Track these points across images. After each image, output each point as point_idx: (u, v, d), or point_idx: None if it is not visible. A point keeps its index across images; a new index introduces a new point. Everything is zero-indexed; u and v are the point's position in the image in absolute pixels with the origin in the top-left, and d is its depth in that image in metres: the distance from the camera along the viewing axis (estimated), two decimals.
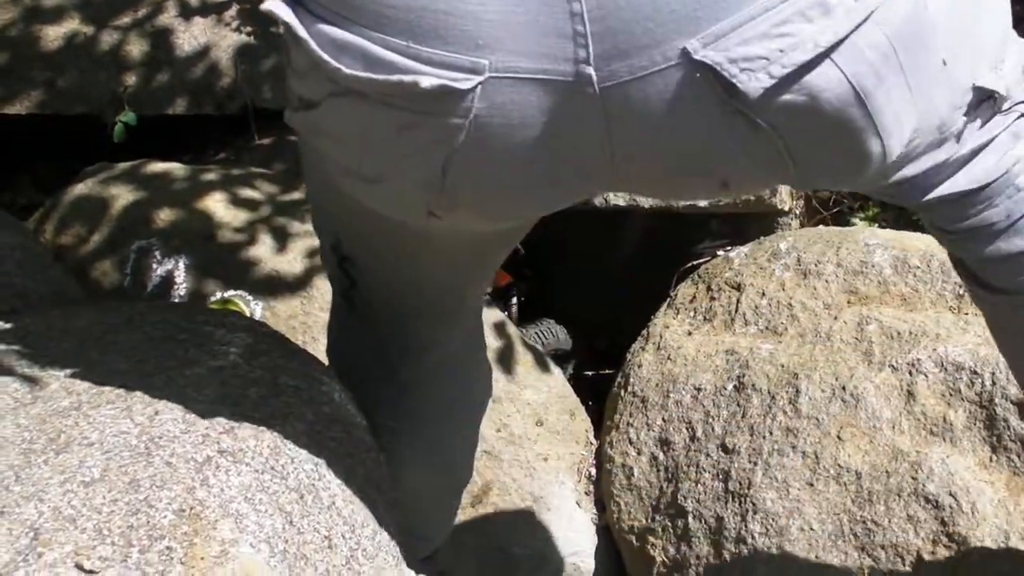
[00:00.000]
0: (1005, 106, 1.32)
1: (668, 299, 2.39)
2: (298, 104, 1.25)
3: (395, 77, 1.10)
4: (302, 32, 1.13)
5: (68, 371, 1.47)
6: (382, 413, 1.67)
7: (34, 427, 1.34)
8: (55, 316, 1.68)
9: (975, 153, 1.32)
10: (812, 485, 1.95)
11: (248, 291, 2.29)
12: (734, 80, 1.08)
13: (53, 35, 2.70)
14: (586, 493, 2.26)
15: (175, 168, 2.51)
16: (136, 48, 2.72)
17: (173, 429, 1.34)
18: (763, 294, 2.24)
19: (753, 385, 2.09)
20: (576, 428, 2.31)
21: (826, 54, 1.09)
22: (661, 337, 2.28)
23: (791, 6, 1.07)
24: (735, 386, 2.11)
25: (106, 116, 2.65)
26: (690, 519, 2.04)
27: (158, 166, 2.51)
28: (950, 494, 1.85)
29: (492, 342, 2.27)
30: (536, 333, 2.59)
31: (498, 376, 2.23)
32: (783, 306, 2.20)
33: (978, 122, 1.31)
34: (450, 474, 1.80)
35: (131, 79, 2.70)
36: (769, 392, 2.07)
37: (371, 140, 1.19)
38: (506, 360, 2.28)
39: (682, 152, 1.16)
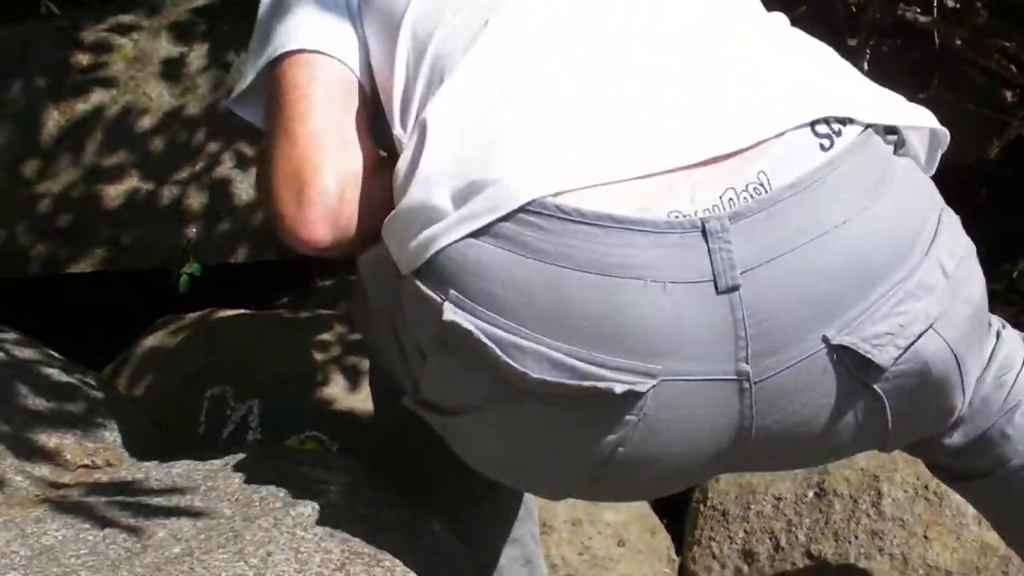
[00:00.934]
0: None
1: None
2: (434, 407, 1.35)
3: (588, 383, 1.21)
4: (484, 338, 1.21)
5: (174, 519, 1.50)
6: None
7: (151, 575, 1.37)
8: (150, 467, 1.71)
9: None
10: None
11: (323, 432, 2.31)
12: (869, 356, 1.25)
13: (114, 193, 2.77)
14: None
15: (242, 315, 2.56)
16: (196, 200, 2.78)
17: (287, 569, 1.38)
18: None
19: (834, 491, 2.10)
20: (658, 546, 2.31)
21: (932, 325, 1.27)
22: None
23: (902, 289, 1.25)
24: (816, 492, 2.12)
25: (171, 268, 2.70)
26: None
27: (226, 314, 2.56)
28: None
29: None
30: None
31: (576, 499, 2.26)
32: None
33: None
34: None
35: (192, 231, 2.76)
36: (851, 496, 2.08)
37: (539, 439, 1.29)
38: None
39: (811, 429, 1.30)
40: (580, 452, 1.27)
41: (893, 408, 1.30)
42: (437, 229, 1.25)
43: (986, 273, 1.47)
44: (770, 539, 2.13)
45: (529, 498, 1.88)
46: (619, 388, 1.20)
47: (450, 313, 1.22)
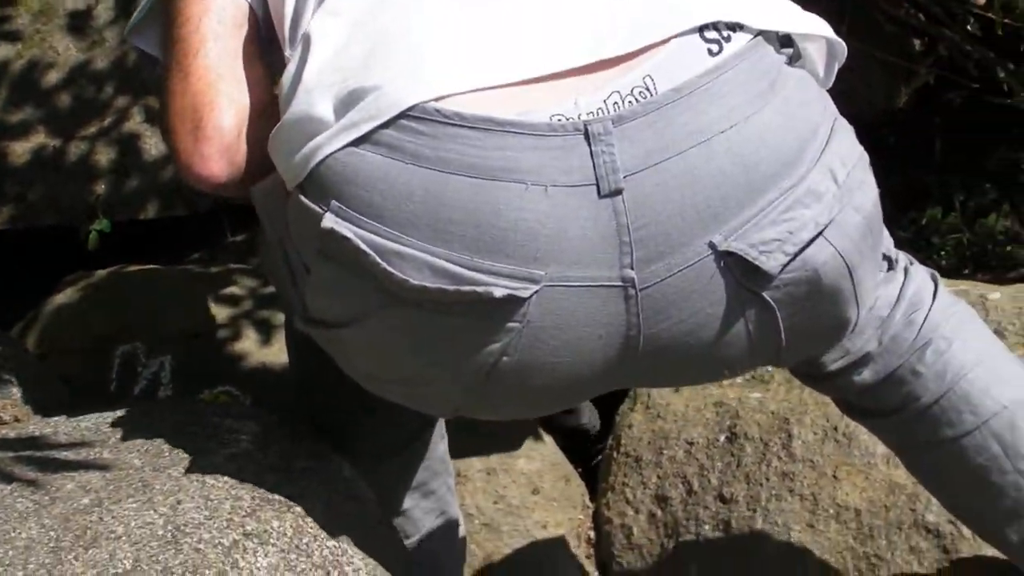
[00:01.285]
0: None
1: None
2: (320, 323, 1.33)
3: (467, 287, 1.20)
4: (364, 246, 1.20)
5: (82, 471, 1.50)
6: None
7: (59, 526, 1.37)
8: (59, 422, 1.70)
9: None
10: (813, 527, 1.99)
11: (236, 386, 2.31)
12: (756, 262, 1.25)
13: (20, 150, 2.73)
14: (587, 557, 2.28)
15: (152, 270, 2.54)
16: (104, 156, 2.75)
17: (197, 516, 1.37)
18: None
19: (745, 434, 2.12)
20: (572, 493, 2.33)
21: (822, 232, 1.27)
22: (649, 396, 2.31)
23: (791, 196, 1.25)
24: (727, 437, 2.14)
25: (80, 225, 2.67)
26: (694, 572, 2.07)
27: (135, 269, 2.54)
28: (949, 521, 1.88)
29: None
30: None
31: (490, 447, 2.27)
32: None
33: None
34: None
35: (101, 187, 2.73)
36: (762, 439, 2.10)
37: (422, 346, 1.27)
38: (495, 431, 2.31)
39: (700, 339, 1.30)
40: (464, 361, 1.25)
41: (785, 318, 1.31)
42: (319, 140, 1.24)
43: (895, 221, 1.50)
44: (683, 483, 2.15)
45: (444, 450, 1.88)
46: (499, 292, 1.19)
47: (330, 222, 1.21)
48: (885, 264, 1.51)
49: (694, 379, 1.52)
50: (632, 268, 1.21)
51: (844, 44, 1.42)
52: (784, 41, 1.35)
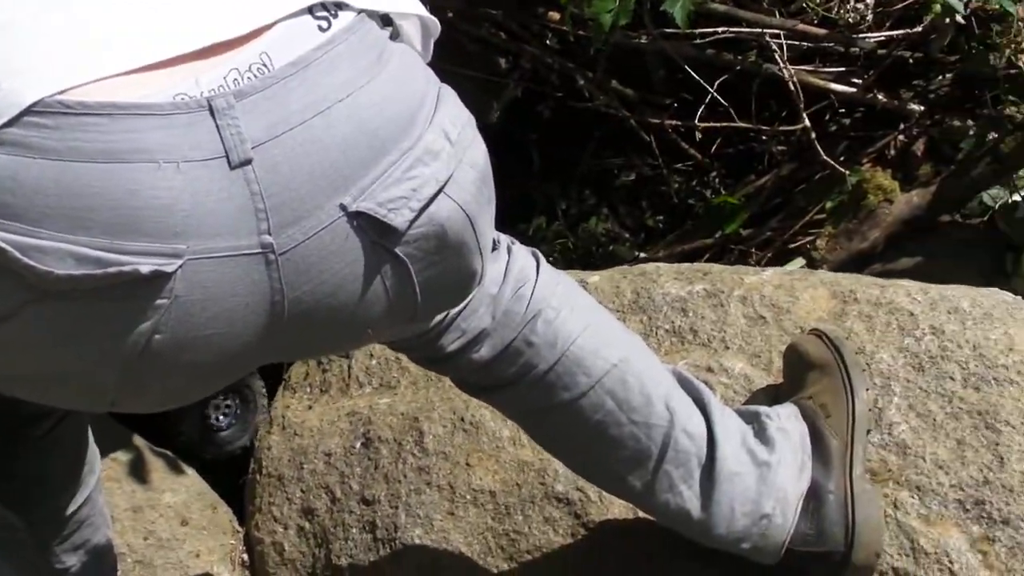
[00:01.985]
0: None
1: (283, 382, 2.50)
2: None
3: (114, 269, 1.19)
4: (2, 244, 1.18)
5: None
6: None
7: None
8: None
9: None
10: (453, 514, 2.10)
11: None
12: (385, 219, 1.30)
13: None
14: None
15: None
16: None
17: None
18: (371, 355, 2.38)
19: (379, 437, 2.22)
20: (220, 520, 2.37)
21: (442, 188, 1.34)
22: (284, 417, 2.38)
23: (410, 156, 1.32)
24: (363, 443, 2.23)
25: None
26: (346, 574, 2.14)
27: None
28: (577, 488, 2.03)
29: (121, 456, 2.32)
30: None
31: (135, 486, 2.28)
32: (392, 362, 2.36)
33: None
34: None
35: None
36: (395, 440, 2.20)
37: (72, 337, 1.25)
38: (138, 469, 2.32)
39: (342, 300, 1.34)
40: (117, 344, 1.26)
41: (418, 272, 1.38)
42: None
43: (507, 233, 1.63)
44: (326, 493, 2.22)
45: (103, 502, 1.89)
46: (145, 269, 1.20)
47: None
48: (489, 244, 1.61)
49: (341, 343, 1.55)
50: (270, 234, 1.25)
51: (437, 21, 1.51)
52: (384, 20, 1.43)
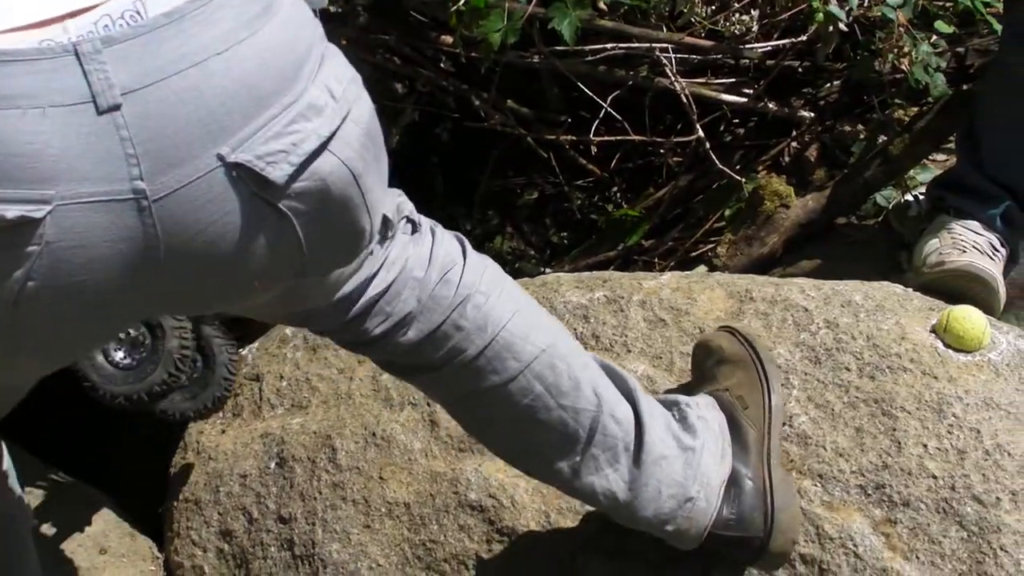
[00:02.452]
0: (392, 230, 1.62)
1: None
2: None
3: None
4: None
5: None
6: None
7: None
8: None
9: (381, 264, 1.62)
10: (369, 527, 2.12)
11: None
12: (264, 172, 1.30)
13: None
14: None
15: None
16: None
17: None
18: (281, 377, 2.41)
19: (293, 456, 2.24)
20: (139, 547, 2.37)
21: (326, 144, 1.34)
22: (198, 443, 2.39)
23: (293, 111, 1.31)
24: (277, 463, 2.25)
25: None
26: None
27: None
28: (490, 495, 2.07)
29: (37, 488, 2.32)
30: None
31: (51, 518, 2.28)
32: (302, 382, 2.38)
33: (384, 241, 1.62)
34: None
35: None
36: (309, 459, 2.23)
37: None
38: (54, 501, 2.32)
39: (222, 249, 1.33)
40: None
41: (303, 228, 1.37)
42: None
43: None
44: (243, 515, 2.24)
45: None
46: (11, 214, 1.19)
47: None
48: (410, 227, 1.65)
49: (228, 294, 1.50)
50: (142, 180, 1.24)
51: None
52: None
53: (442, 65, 3.36)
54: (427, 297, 1.64)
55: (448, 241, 1.71)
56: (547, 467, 1.78)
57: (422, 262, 1.65)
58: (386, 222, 1.59)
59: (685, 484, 1.78)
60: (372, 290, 1.62)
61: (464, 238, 1.74)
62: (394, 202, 1.62)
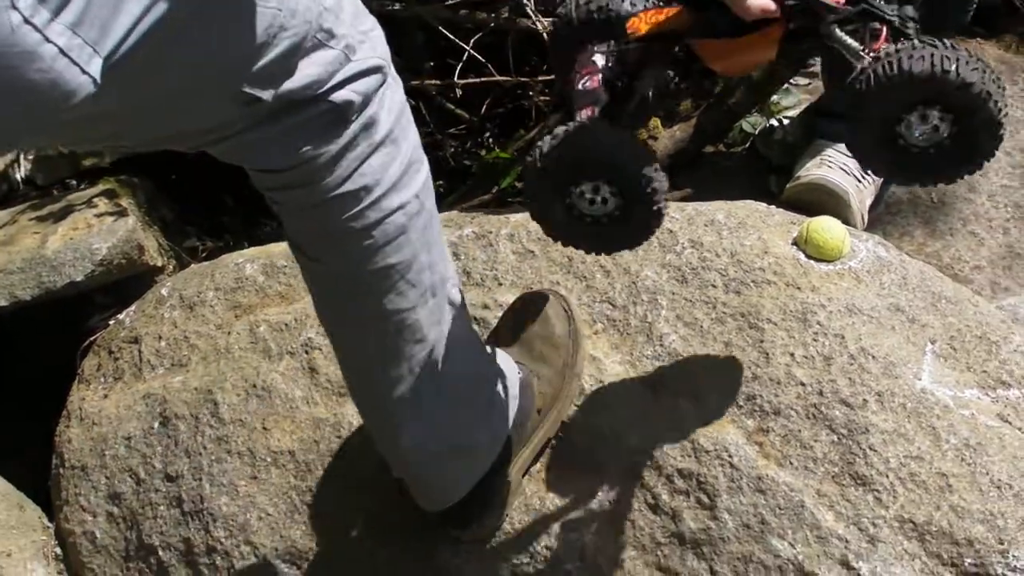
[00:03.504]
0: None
1: (77, 376, 2.50)
2: None
3: None
4: None
5: None
6: None
7: None
8: None
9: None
10: (256, 478, 2.14)
11: None
12: None
13: None
14: (59, 573, 2.32)
15: None
16: None
17: None
18: (160, 338, 2.40)
19: (176, 415, 2.24)
20: (29, 518, 2.36)
21: None
22: (80, 409, 2.38)
23: None
24: (160, 422, 2.26)
25: None
26: (161, 552, 2.16)
27: None
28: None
29: None
30: None
31: None
32: (180, 341, 2.38)
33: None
34: None
35: None
36: (192, 415, 2.23)
37: None
38: None
39: None
40: None
41: None
42: None
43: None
44: (131, 476, 2.24)
45: None
46: None
47: None
48: None
49: None
50: None
51: None
52: None
53: None
54: (324, 189, 1.57)
55: None
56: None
57: None
58: None
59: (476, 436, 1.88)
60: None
61: None
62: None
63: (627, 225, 1.64)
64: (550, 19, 3.16)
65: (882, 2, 1.50)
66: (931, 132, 1.45)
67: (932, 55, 1.38)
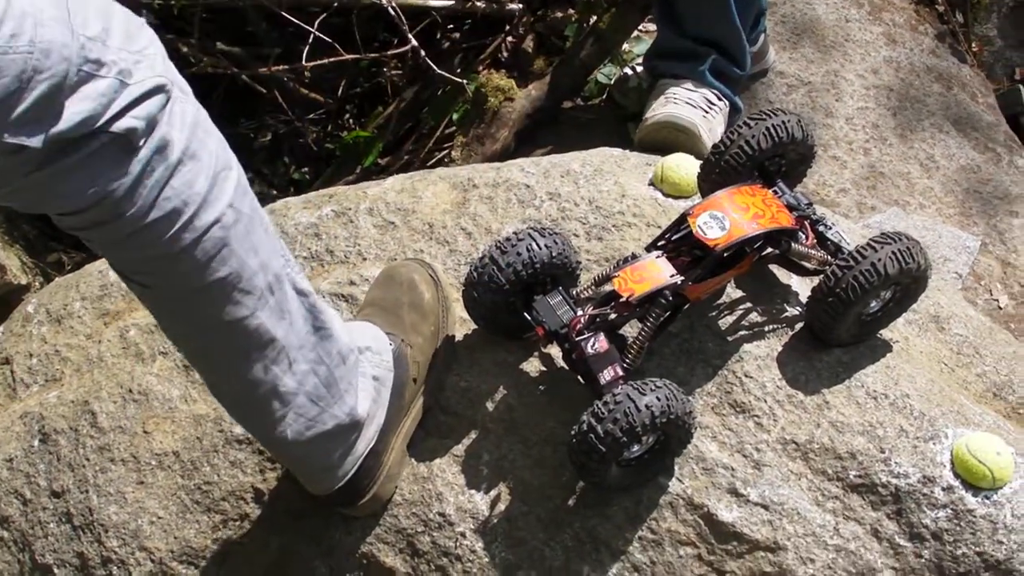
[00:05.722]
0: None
1: None
2: None
3: None
4: None
5: None
6: None
7: None
8: None
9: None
10: (143, 483, 2.11)
11: None
12: None
13: None
14: None
15: None
16: None
17: None
18: (31, 355, 2.37)
19: (55, 430, 2.21)
20: None
21: None
22: None
23: None
24: (40, 440, 2.22)
25: None
26: (56, 571, 2.13)
27: None
28: None
29: None
30: None
31: None
32: (52, 356, 2.35)
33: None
34: None
35: None
36: (71, 428, 2.20)
37: None
38: None
39: None
40: None
41: None
42: None
43: None
44: (16, 498, 2.20)
45: None
46: None
47: None
48: None
49: None
50: None
51: None
52: None
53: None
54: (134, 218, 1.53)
55: None
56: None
57: None
58: None
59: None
60: None
61: None
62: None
63: (665, 453, 1.87)
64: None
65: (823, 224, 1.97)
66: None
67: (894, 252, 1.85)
